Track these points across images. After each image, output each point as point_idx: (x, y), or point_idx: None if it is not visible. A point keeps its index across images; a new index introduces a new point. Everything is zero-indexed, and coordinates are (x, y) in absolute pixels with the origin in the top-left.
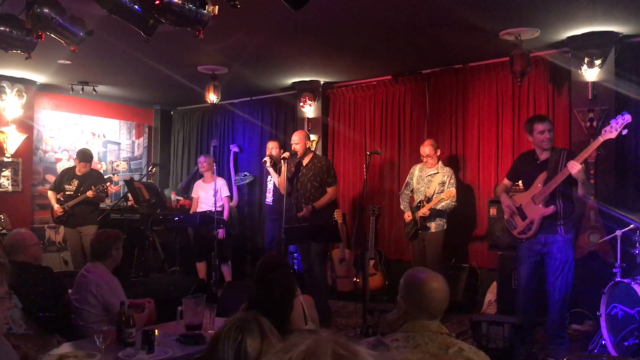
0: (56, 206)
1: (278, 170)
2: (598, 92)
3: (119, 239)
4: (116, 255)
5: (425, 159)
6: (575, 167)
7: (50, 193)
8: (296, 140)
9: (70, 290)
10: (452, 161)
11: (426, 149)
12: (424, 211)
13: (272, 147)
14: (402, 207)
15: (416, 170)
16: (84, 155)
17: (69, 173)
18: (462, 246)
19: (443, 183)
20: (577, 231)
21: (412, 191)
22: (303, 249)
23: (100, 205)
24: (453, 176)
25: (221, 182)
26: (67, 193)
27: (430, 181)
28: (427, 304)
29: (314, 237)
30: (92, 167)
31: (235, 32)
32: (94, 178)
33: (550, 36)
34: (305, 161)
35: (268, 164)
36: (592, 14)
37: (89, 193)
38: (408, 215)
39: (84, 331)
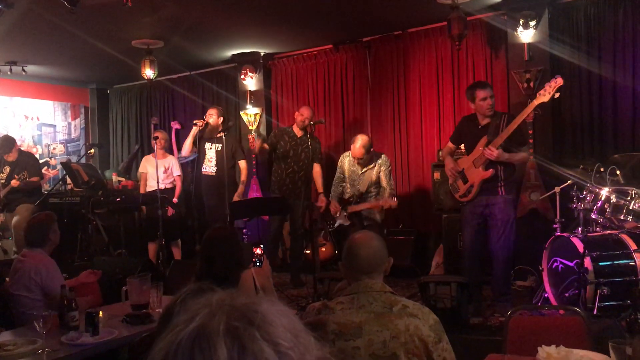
0: None
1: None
2: (534, 53)
3: (52, 220)
4: (54, 237)
5: (356, 161)
6: (492, 154)
7: None
8: (310, 114)
9: (7, 279)
10: (395, 128)
11: (357, 152)
12: (356, 208)
13: (211, 114)
14: (330, 196)
15: (345, 162)
16: (2, 145)
17: (1, 160)
18: (409, 211)
19: (378, 173)
20: (517, 191)
21: (343, 180)
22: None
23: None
24: (388, 164)
25: (173, 160)
26: (1, 182)
27: (364, 175)
28: (355, 261)
29: (262, 210)
30: (23, 150)
31: (168, 2)
32: (24, 163)
33: None
34: (299, 133)
35: (198, 125)
36: None
37: (13, 182)
38: (335, 206)
39: (24, 318)
